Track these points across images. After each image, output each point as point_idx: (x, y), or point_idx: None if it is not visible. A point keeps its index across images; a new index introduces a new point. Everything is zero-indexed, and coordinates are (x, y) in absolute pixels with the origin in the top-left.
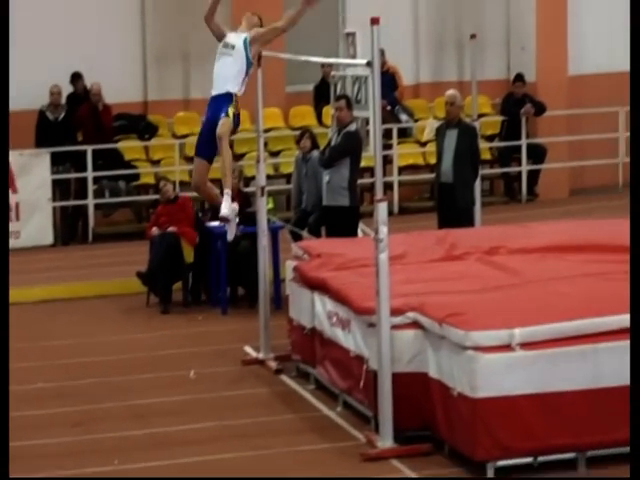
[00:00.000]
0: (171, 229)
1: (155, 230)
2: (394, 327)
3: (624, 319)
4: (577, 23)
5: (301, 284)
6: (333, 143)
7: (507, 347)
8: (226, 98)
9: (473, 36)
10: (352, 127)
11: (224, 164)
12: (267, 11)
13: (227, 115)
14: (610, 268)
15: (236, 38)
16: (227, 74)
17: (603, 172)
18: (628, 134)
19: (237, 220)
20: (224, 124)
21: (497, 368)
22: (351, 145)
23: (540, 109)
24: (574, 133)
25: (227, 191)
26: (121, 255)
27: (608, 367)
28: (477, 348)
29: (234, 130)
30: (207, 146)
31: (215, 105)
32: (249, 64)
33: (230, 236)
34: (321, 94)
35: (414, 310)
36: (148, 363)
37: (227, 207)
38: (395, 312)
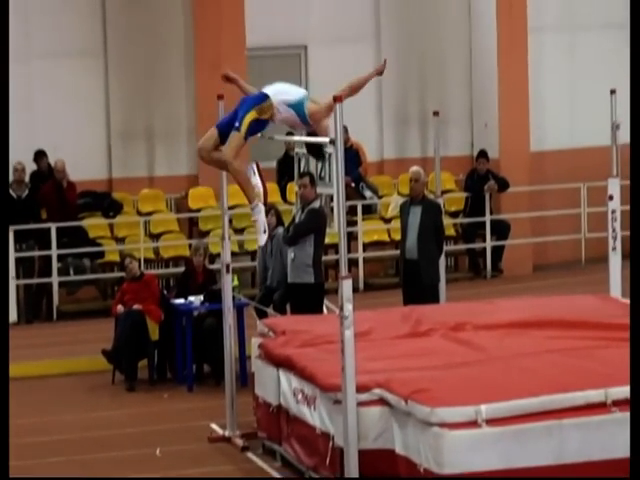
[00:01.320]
0: (136, 307)
1: (120, 308)
2: (360, 404)
3: (588, 395)
4: (539, 100)
5: (266, 361)
6: (297, 220)
7: (473, 423)
8: (257, 98)
9: (436, 113)
10: (316, 204)
11: (240, 184)
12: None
13: (239, 130)
14: (574, 344)
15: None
16: (278, 86)
17: (566, 248)
18: (590, 210)
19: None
20: (231, 142)
21: (463, 444)
22: (315, 222)
23: (503, 185)
24: (537, 209)
25: (254, 204)
26: (86, 333)
27: (573, 443)
28: (443, 424)
29: (254, 133)
30: (226, 129)
31: (247, 100)
32: (299, 108)
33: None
34: (284, 168)
35: (380, 387)
36: (114, 441)
37: (262, 234)
38: (361, 389)
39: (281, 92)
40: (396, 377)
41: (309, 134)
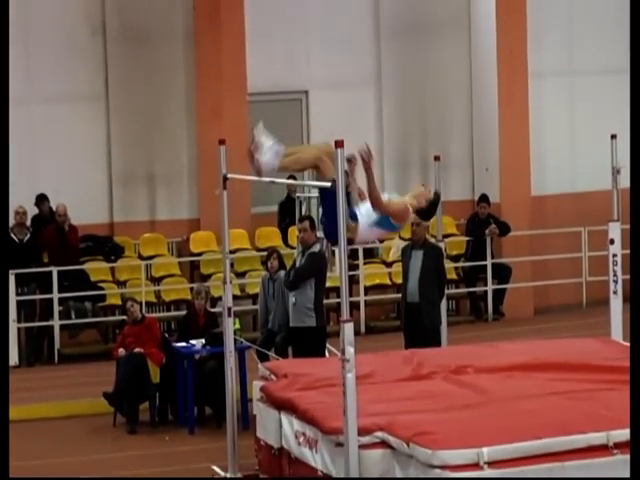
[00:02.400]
0: (137, 350)
1: (122, 351)
2: (362, 446)
3: (590, 437)
4: (539, 144)
5: (268, 404)
6: (298, 264)
7: (475, 466)
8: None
9: (437, 158)
10: (316, 248)
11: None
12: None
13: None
14: (576, 387)
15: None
16: (364, 210)
17: (567, 291)
18: (591, 254)
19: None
20: (327, 163)
21: None
22: (315, 266)
23: (504, 229)
24: (538, 253)
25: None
26: (87, 376)
27: None
28: (445, 467)
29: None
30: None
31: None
32: (385, 222)
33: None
34: (286, 211)
35: (382, 430)
36: None
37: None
38: (363, 432)
39: (366, 215)
40: (398, 420)
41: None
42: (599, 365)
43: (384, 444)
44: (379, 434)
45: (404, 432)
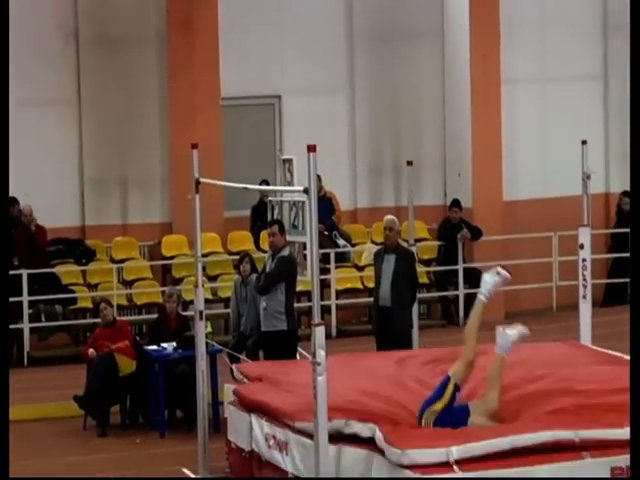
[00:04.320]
0: (107, 348)
1: (92, 351)
2: (332, 442)
3: (558, 434)
4: (511, 150)
5: (239, 407)
6: (267, 269)
7: (445, 464)
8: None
9: (410, 163)
10: (285, 252)
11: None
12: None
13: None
14: (543, 386)
15: None
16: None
17: (538, 295)
18: (561, 258)
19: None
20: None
21: None
22: (286, 270)
23: (476, 234)
24: (509, 257)
25: None
26: (57, 379)
27: None
28: (414, 466)
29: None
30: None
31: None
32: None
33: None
34: (258, 215)
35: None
36: None
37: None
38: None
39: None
40: (370, 420)
41: None
42: (568, 368)
43: (356, 444)
44: (350, 433)
45: (376, 432)
